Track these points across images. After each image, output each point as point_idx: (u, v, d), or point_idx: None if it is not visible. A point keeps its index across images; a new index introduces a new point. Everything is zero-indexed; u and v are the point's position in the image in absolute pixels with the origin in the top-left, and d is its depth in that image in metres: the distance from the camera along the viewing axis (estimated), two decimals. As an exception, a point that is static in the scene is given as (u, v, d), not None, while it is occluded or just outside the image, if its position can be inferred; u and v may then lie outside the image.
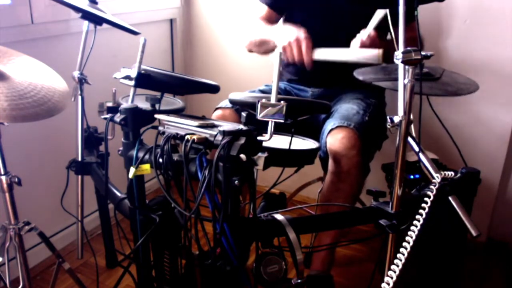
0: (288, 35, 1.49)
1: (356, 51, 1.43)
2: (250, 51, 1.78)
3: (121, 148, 1.23)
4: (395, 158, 1.09)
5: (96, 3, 1.45)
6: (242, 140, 0.97)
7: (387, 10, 1.30)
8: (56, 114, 1.12)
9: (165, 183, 1.12)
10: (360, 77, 1.29)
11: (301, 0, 1.69)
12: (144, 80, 1.25)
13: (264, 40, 1.66)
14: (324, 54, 1.47)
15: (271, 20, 1.75)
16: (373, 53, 1.39)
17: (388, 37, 1.63)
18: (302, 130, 1.46)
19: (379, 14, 1.43)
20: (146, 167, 1.15)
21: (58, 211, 1.51)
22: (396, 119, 1.05)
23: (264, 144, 1.04)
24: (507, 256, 2.01)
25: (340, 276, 1.80)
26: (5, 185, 1.19)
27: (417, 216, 1.05)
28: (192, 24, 2.45)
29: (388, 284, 1.00)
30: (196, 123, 1.09)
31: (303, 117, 1.15)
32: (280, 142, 1.29)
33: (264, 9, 1.75)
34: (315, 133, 1.54)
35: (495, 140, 1.91)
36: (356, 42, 1.48)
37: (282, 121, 1.01)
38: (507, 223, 2.03)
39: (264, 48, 1.69)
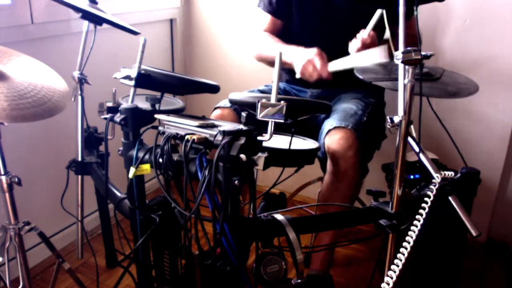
0: (300, 58, 1.51)
1: (364, 55, 1.45)
2: (260, 61, 1.77)
3: (121, 148, 1.23)
4: (395, 158, 1.09)
5: (96, 3, 1.45)
6: (242, 140, 0.97)
7: (384, 10, 1.30)
8: (56, 114, 1.12)
9: (165, 183, 1.12)
10: (360, 76, 1.29)
11: (301, 3, 1.68)
12: (144, 80, 1.25)
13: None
14: (337, 65, 1.51)
15: (275, 29, 1.74)
16: (380, 51, 1.40)
17: (387, 35, 1.63)
18: (302, 130, 1.46)
19: (377, 13, 1.44)
20: (146, 167, 1.15)
21: (58, 211, 1.51)
22: (396, 119, 1.05)
23: (264, 144, 1.04)
24: (507, 256, 2.01)
25: (339, 276, 1.80)
26: (5, 185, 1.19)
27: (417, 216, 1.05)
28: (192, 24, 2.45)
29: (388, 284, 1.00)
30: (196, 123, 1.09)
31: (303, 117, 1.15)
32: (280, 142, 1.29)
33: (267, 18, 1.74)
34: (315, 133, 1.54)
35: (495, 140, 1.91)
36: (356, 42, 1.48)
37: (282, 121, 1.01)
38: (507, 223, 2.03)
39: None
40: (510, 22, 1.77)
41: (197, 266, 1.17)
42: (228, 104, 1.57)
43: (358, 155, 1.41)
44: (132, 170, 1.15)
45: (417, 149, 1.15)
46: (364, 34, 1.46)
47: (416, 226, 1.04)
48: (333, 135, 1.43)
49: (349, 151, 1.40)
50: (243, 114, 1.05)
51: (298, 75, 1.56)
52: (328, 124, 1.47)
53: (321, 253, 1.60)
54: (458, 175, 1.25)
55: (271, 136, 1.03)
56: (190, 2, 2.42)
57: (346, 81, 1.53)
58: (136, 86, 1.27)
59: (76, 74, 1.46)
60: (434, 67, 1.35)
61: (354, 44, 1.49)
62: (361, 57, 1.45)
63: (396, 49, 1.03)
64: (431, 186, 1.09)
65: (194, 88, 1.49)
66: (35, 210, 1.76)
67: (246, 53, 1.80)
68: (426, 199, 1.07)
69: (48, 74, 1.23)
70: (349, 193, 1.47)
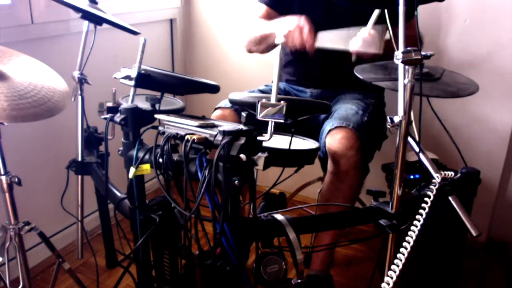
0: (288, 23, 1.46)
1: (356, 38, 1.43)
2: (250, 51, 1.75)
3: (121, 148, 1.23)
4: (395, 158, 1.09)
5: (96, 3, 1.45)
6: (242, 140, 0.97)
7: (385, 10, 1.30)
8: (56, 114, 1.12)
9: (165, 183, 1.12)
10: (360, 76, 1.29)
11: (302, 3, 1.68)
12: (144, 80, 1.25)
13: (264, 35, 1.62)
14: (325, 39, 1.45)
15: (270, 19, 1.72)
16: (374, 41, 1.39)
17: (386, 36, 1.64)
18: (302, 130, 1.46)
19: (377, 11, 1.44)
20: (146, 167, 1.15)
21: (58, 211, 1.51)
22: (396, 119, 1.05)
23: (264, 144, 1.04)
24: (507, 256, 2.01)
25: (339, 276, 1.80)
26: (5, 185, 1.19)
27: (417, 216, 1.05)
28: (192, 24, 2.45)
29: (388, 284, 1.00)
30: (196, 123, 1.09)
31: (303, 117, 1.15)
32: (280, 142, 1.29)
33: (263, 8, 1.73)
34: (315, 133, 1.54)
35: (495, 140, 1.91)
36: (357, 40, 1.48)
37: (282, 121, 1.01)
38: (507, 223, 2.03)
39: (264, 44, 1.65)
40: (510, 22, 1.77)
41: (197, 266, 1.17)
42: (229, 105, 1.57)
43: (359, 155, 1.41)
44: (132, 170, 1.15)
45: (417, 149, 1.15)
46: (365, 32, 1.46)
47: (416, 226, 1.04)
48: (334, 135, 1.43)
49: (351, 151, 1.40)
50: (243, 114, 1.05)
51: (279, 39, 1.48)
52: (329, 124, 1.47)
53: (321, 253, 1.60)
54: (458, 175, 1.25)
55: (271, 136, 1.03)
56: (190, 2, 2.42)
57: (346, 81, 1.53)
58: (136, 86, 1.27)
59: (76, 74, 1.46)
60: (434, 67, 1.35)
61: (354, 43, 1.49)
62: (352, 38, 1.42)
63: (396, 49, 1.03)
64: (431, 186, 1.09)
65: (194, 88, 1.49)
66: (35, 210, 1.75)
67: (246, 53, 1.80)
68: (426, 199, 1.07)
69: (48, 74, 1.23)
70: (350, 193, 1.47)
